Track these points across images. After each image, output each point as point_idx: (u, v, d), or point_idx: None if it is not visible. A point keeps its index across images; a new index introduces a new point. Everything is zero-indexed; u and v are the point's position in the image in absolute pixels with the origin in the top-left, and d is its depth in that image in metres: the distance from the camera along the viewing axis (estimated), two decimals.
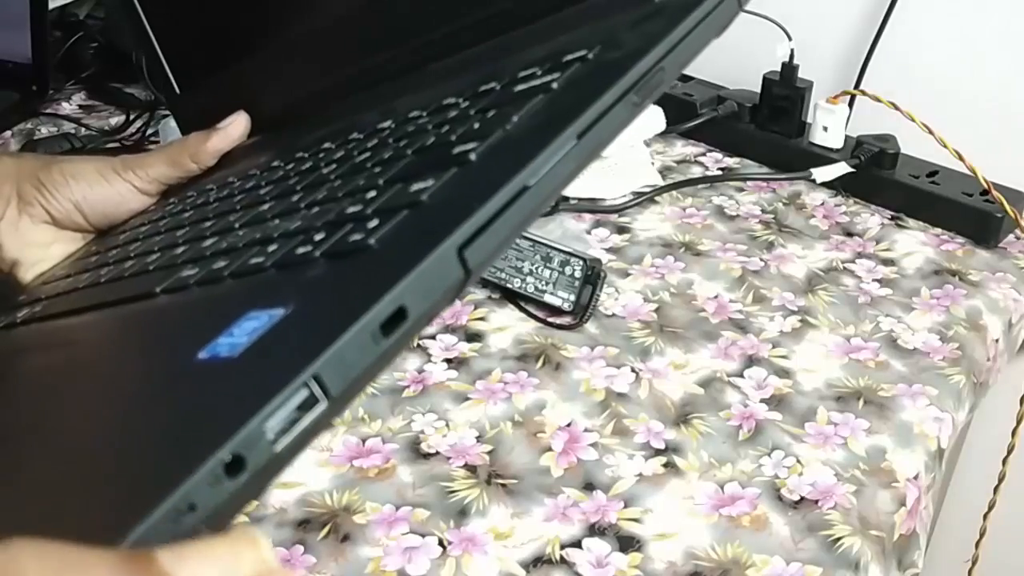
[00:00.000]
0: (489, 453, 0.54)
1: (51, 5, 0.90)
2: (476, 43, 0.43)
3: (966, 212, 0.74)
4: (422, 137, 0.35)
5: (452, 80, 0.41)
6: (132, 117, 0.87)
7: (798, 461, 0.53)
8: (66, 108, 0.91)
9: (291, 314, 0.27)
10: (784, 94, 0.80)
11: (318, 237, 0.31)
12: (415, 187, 0.30)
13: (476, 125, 0.32)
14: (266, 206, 0.38)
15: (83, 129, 0.86)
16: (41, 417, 0.32)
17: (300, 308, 0.27)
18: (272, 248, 0.32)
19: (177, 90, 0.60)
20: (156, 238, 0.44)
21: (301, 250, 0.30)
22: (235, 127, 0.53)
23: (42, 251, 0.51)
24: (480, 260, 0.27)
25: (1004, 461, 0.74)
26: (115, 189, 0.51)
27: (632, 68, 0.30)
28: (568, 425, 0.56)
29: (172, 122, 0.76)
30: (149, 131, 0.85)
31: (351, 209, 0.31)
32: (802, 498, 0.51)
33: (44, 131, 0.86)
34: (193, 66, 0.59)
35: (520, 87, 0.33)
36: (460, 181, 0.29)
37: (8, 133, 0.85)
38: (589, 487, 0.52)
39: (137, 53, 0.64)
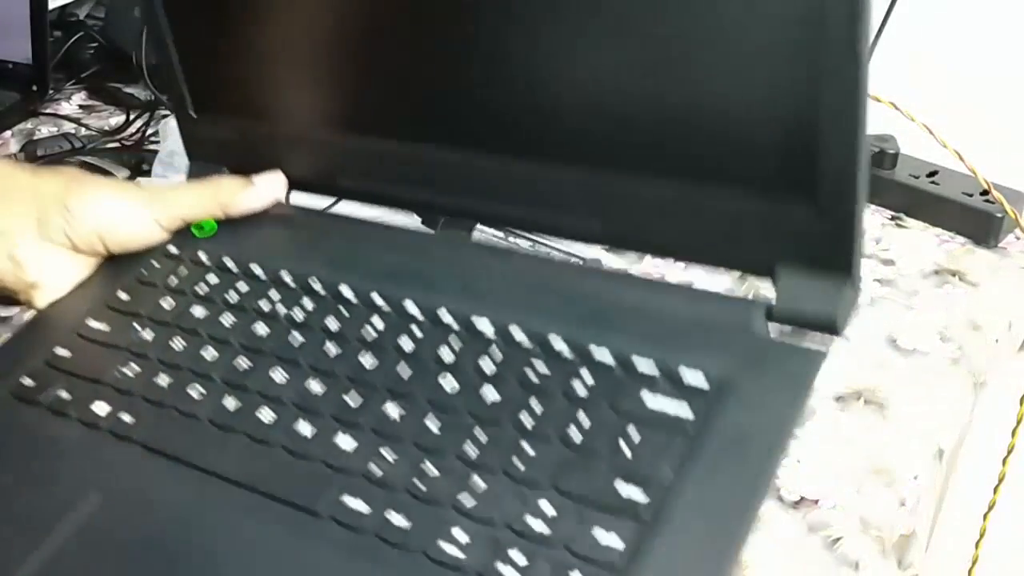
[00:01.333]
0: None
1: (51, 5, 0.89)
2: (554, 232, 0.44)
3: (966, 212, 0.74)
4: (557, 413, 0.35)
5: (538, 286, 0.41)
6: (132, 117, 0.87)
7: (798, 461, 0.53)
8: (66, 108, 0.91)
9: None
10: None
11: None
12: (602, 541, 0.31)
13: (627, 453, 0.33)
14: (394, 412, 0.37)
15: (83, 129, 0.86)
16: None
17: None
18: (482, 556, 0.32)
19: (193, 114, 0.53)
20: (241, 368, 0.41)
21: None
22: (272, 189, 0.51)
23: (58, 275, 0.49)
24: None
25: (1004, 461, 0.74)
26: (140, 223, 0.50)
27: (766, 473, 0.33)
28: None
29: (172, 122, 0.76)
30: (149, 131, 0.85)
31: (537, 526, 0.32)
32: (802, 498, 0.51)
33: (44, 131, 0.85)
34: (218, 94, 0.52)
35: (651, 405, 0.34)
36: (649, 555, 0.30)
37: (8, 133, 0.85)
38: None
39: (156, 59, 0.58)
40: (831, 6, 0.32)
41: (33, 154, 0.79)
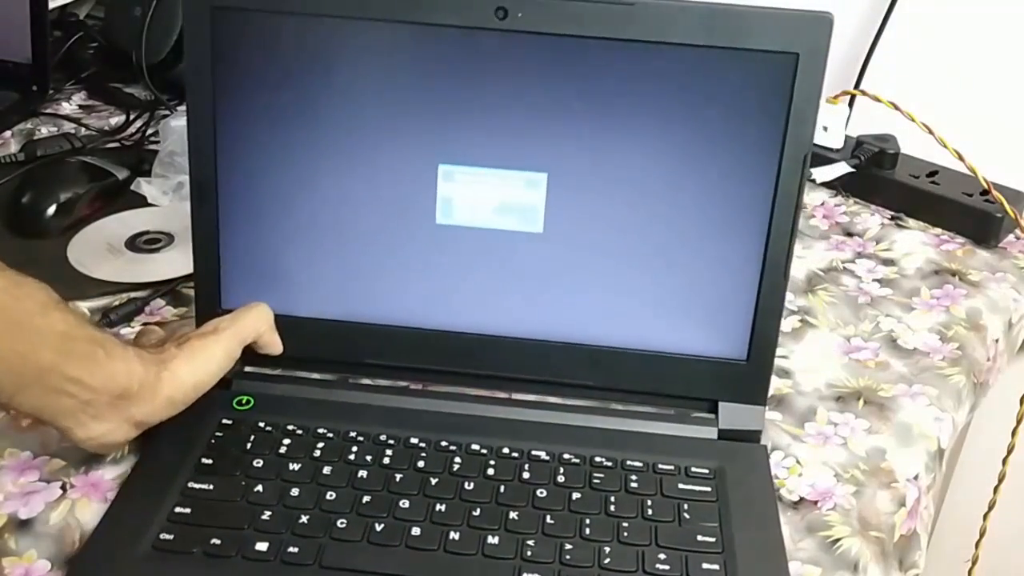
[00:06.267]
0: None
1: (51, 5, 0.89)
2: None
3: (966, 212, 0.74)
4: (629, 500, 0.49)
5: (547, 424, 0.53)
6: (132, 117, 0.87)
7: (798, 462, 0.53)
8: (66, 108, 0.91)
9: None
10: None
11: None
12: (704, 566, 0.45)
13: (687, 516, 0.48)
14: (513, 515, 0.47)
15: (83, 129, 0.86)
16: None
17: None
18: None
19: (221, 305, 0.56)
20: (365, 501, 0.48)
21: None
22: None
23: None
24: None
25: (1004, 461, 0.74)
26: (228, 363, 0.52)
27: (775, 514, 0.49)
28: None
29: (172, 122, 0.76)
30: (149, 131, 0.85)
31: (660, 566, 0.45)
32: (802, 498, 0.51)
33: (44, 131, 0.86)
34: (254, 288, 0.56)
35: (684, 487, 0.50)
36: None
37: (8, 133, 0.85)
38: None
39: (198, 248, 0.56)
40: (774, 249, 0.52)
41: (33, 154, 0.79)
